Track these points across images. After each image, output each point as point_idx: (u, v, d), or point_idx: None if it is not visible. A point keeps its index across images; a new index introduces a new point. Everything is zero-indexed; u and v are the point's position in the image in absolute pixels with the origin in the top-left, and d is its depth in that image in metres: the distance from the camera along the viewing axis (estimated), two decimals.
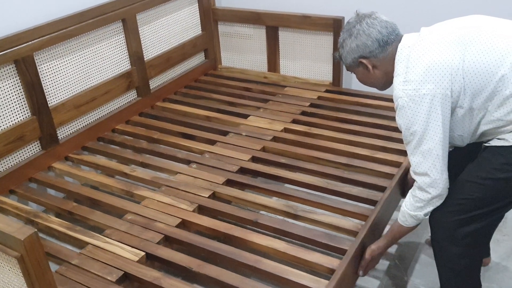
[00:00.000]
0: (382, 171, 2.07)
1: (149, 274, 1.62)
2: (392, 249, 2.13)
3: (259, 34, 3.02)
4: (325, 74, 2.90)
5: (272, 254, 1.71)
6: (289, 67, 3.03)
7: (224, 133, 2.46)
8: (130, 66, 2.64)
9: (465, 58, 1.41)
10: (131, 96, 2.70)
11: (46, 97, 2.22)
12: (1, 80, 2.04)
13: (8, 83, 2.07)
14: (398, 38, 1.55)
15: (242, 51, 3.15)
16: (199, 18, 3.07)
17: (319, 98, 2.74)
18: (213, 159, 2.23)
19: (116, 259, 1.69)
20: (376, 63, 1.56)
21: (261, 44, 3.05)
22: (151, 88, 2.79)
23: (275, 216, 1.93)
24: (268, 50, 3.03)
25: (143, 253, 1.71)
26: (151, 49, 2.76)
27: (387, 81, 1.59)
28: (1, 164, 2.11)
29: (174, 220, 1.86)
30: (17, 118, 2.13)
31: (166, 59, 2.85)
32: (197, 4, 3.02)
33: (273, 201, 1.96)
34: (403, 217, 1.61)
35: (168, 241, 1.80)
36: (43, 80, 2.20)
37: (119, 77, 2.56)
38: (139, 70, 2.67)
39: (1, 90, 2.05)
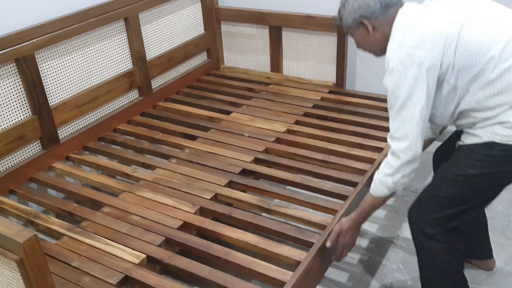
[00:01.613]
0: (356, 167, 2.11)
1: (150, 277, 1.60)
2: (396, 253, 2.12)
3: (262, 34, 3.00)
4: (328, 75, 2.87)
5: (243, 247, 1.74)
6: (292, 67, 3.01)
7: (227, 134, 2.44)
8: (132, 66, 2.62)
9: (460, 33, 1.41)
10: (133, 95, 2.68)
11: (47, 96, 2.19)
12: (1, 79, 2.02)
13: (9, 82, 2.05)
14: (399, 2, 1.55)
15: (245, 51, 3.13)
16: (201, 18, 3.04)
17: (322, 99, 2.72)
18: (214, 160, 2.21)
19: (117, 261, 1.67)
20: (377, 25, 1.55)
21: (264, 44, 3.03)
22: (153, 87, 2.77)
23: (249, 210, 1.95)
24: (271, 50, 3.01)
25: (144, 256, 1.69)
26: (153, 49, 2.74)
27: (385, 46, 1.56)
28: (1, 164, 2.09)
29: (175, 222, 1.84)
30: (17, 118, 2.11)
31: (168, 58, 2.83)
32: (200, 4, 3.00)
33: (248, 196, 1.98)
34: (373, 184, 1.61)
35: (169, 243, 1.78)
36: (44, 79, 2.18)
37: (121, 76, 2.54)
38: (141, 70, 2.65)
39: (2, 89, 2.03)
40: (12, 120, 2.09)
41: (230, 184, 2.07)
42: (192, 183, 2.06)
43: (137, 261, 1.66)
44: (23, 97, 2.12)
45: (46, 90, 2.19)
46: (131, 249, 1.72)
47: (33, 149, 2.21)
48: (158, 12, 2.71)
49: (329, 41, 2.78)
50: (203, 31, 3.08)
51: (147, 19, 2.65)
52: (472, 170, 1.47)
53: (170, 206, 1.93)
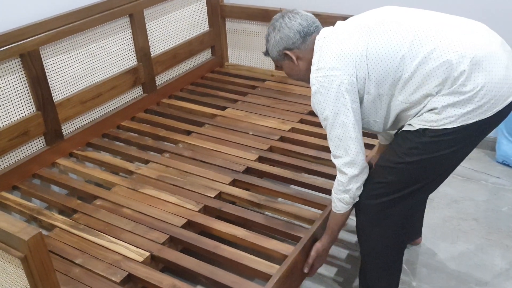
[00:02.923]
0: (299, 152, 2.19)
1: (154, 275, 1.59)
2: None
3: (266, 31, 2.97)
4: None
5: (232, 241, 1.77)
6: None
7: (231, 132, 2.42)
8: (136, 62, 2.61)
9: (368, 46, 1.48)
10: (136, 92, 2.67)
11: (51, 92, 2.19)
12: (6, 74, 2.01)
13: (13, 78, 2.04)
14: (317, 29, 1.64)
15: (249, 49, 3.12)
16: (206, 15, 3.03)
17: None
18: (219, 158, 2.20)
19: (121, 259, 1.66)
20: (300, 54, 1.63)
21: None
22: (157, 84, 2.76)
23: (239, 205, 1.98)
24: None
25: (148, 254, 1.68)
26: (158, 45, 2.73)
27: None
28: (5, 159, 2.08)
29: (179, 220, 1.83)
30: (21, 113, 2.10)
31: (173, 55, 2.82)
32: (205, 0, 2.99)
33: (239, 191, 2.00)
34: (333, 203, 1.66)
35: (173, 241, 1.77)
36: (48, 75, 2.17)
37: (125, 73, 2.53)
38: (146, 66, 2.64)
39: (6, 85, 2.02)
40: (16, 116, 2.08)
41: (234, 183, 2.06)
42: (196, 181, 2.05)
43: (141, 259, 1.65)
44: (28, 93, 2.11)
45: (50, 86, 2.18)
46: (134, 247, 1.71)
47: (36, 145, 2.21)
48: (163, 8, 2.70)
49: None
50: (208, 28, 3.07)
51: (152, 16, 2.64)
52: (409, 158, 1.53)
53: (174, 204, 1.92)
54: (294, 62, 1.65)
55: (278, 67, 1.74)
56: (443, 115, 1.44)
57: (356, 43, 1.50)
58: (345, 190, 1.60)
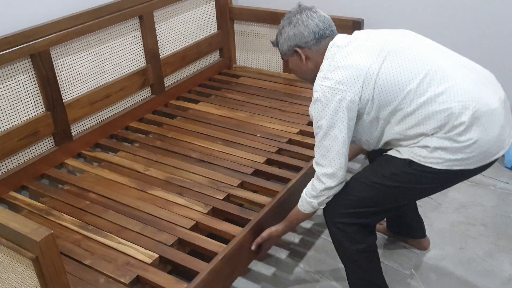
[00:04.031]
0: (307, 155, 2.23)
1: (162, 277, 1.59)
2: (409, 258, 2.10)
3: (275, 34, 2.96)
4: None
5: (153, 204, 1.91)
6: None
7: (239, 134, 2.42)
8: (145, 63, 2.61)
9: (380, 70, 1.49)
10: (145, 93, 2.67)
11: (61, 92, 2.19)
12: (16, 74, 2.02)
13: (24, 78, 2.05)
14: (332, 34, 1.63)
15: (257, 51, 3.12)
16: (215, 16, 3.03)
17: None
18: (227, 161, 2.20)
19: (130, 260, 1.66)
20: (309, 54, 1.63)
21: None
22: (165, 86, 2.76)
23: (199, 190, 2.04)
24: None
25: (156, 255, 1.68)
26: (167, 47, 2.73)
27: (316, 75, 1.63)
28: (14, 159, 2.09)
29: (187, 222, 1.83)
30: (31, 113, 2.11)
31: (182, 57, 2.82)
32: (214, 2, 2.99)
33: (201, 178, 2.07)
34: (301, 201, 1.70)
35: (181, 243, 1.77)
36: (58, 76, 2.17)
37: (134, 74, 2.54)
38: (154, 68, 2.64)
39: (17, 85, 2.03)
40: (25, 116, 2.09)
41: (243, 185, 2.05)
42: (204, 183, 2.05)
43: (150, 261, 1.65)
44: (37, 93, 2.11)
45: (60, 86, 2.18)
46: (143, 249, 1.71)
47: (46, 145, 2.21)
48: (172, 10, 2.70)
49: None
50: (216, 30, 3.07)
51: (162, 17, 2.64)
52: (387, 182, 1.57)
53: (183, 205, 1.93)
54: (302, 60, 1.65)
55: (283, 59, 1.76)
56: (432, 154, 1.48)
57: (369, 64, 1.50)
58: (316, 196, 1.63)
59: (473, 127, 1.44)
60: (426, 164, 1.50)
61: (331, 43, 1.59)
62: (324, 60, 1.59)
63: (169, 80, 2.82)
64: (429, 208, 2.38)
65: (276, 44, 1.73)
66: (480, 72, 1.55)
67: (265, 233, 1.78)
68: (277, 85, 2.95)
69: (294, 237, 2.26)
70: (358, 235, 1.67)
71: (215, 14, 3.02)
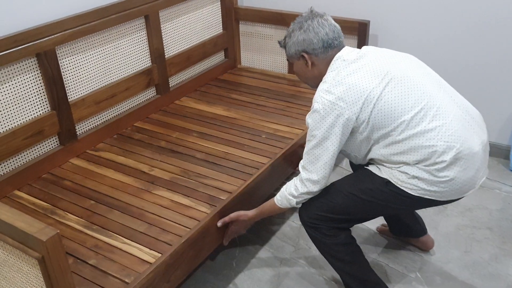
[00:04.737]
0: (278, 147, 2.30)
1: (167, 277, 1.59)
2: (414, 261, 2.09)
3: (280, 35, 2.97)
4: None
5: (156, 203, 1.95)
6: None
7: (244, 135, 2.42)
8: (150, 63, 2.61)
9: (381, 95, 1.54)
10: (150, 93, 2.67)
11: (66, 92, 2.19)
12: (22, 73, 2.02)
13: (29, 77, 2.05)
14: (340, 45, 1.68)
15: (262, 52, 3.11)
16: (220, 17, 3.03)
17: None
18: (231, 161, 2.20)
19: (134, 261, 1.65)
20: (315, 61, 1.68)
21: None
22: (170, 86, 2.76)
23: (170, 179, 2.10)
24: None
25: (161, 256, 1.67)
26: (172, 47, 2.73)
27: (319, 82, 1.68)
28: (19, 158, 2.09)
29: (192, 223, 1.82)
30: (36, 112, 2.11)
31: (187, 57, 2.82)
32: (220, 3, 2.99)
33: (205, 178, 2.09)
34: (279, 196, 1.77)
35: (185, 244, 1.76)
36: (64, 75, 2.17)
37: (139, 74, 2.53)
38: (160, 68, 2.64)
39: (22, 84, 2.03)
40: (31, 115, 2.09)
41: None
42: (209, 184, 2.04)
43: (154, 261, 1.65)
44: (43, 92, 2.11)
45: (65, 85, 2.18)
46: (148, 249, 1.70)
47: (51, 145, 2.21)
48: (178, 10, 2.70)
49: (350, 44, 2.67)
50: (222, 30, 3.07)
51: (167, 17, 2.64)
52: (363, 196, 1.66)
53: (187, 206, 1.92)
54: (308, 66, 1.69)
55: (288, 61, 1.80)
56: (410, 181, 1.57)
57: (372, 87, 1.55)
58: (296, 196, 1.70)
59: (452, 166, 1.53)
60: (402, 188, 1.59)
61: (337, 55, 1.64)
62: (328, 71, 1.63)
63: (174, 80, 2.82)
64: (434, 211, 2.37)
65: (283, 45, 1.76)
66: (470, 113, 1.63)
67: (233, 214, 1.85)
68: (282, 86, 2.94)
69: (298, 238, 2.26)
70: (330, 231, 1.74)
71: (220, 14, 3.02)
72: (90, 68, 2.29)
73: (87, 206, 1.95)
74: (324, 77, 1.64)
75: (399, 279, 2.01)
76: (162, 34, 2.62)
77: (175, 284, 1.71)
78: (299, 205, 1.75)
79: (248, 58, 3.20)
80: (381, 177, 1.63)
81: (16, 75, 2.00)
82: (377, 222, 2.31)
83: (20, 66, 2.00)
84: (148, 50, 2.58)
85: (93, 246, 1.74)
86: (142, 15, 2.46)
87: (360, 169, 1.75)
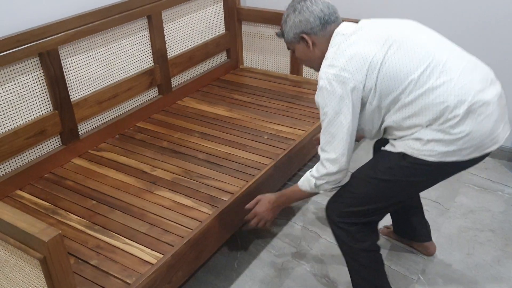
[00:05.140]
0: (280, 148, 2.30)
1: (168, 278, 1.58)
2: (416, 263, 2.08)
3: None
4: None
5: (158, 204, 1.94)
6: (312, 70, 2.96)
7: (246, 135, 2.42)
8: (153, 64, 2.60)
9: (384, 60, 1.51)
10: (152, 93, 2.67)
11: (69, 91, 2.19)
12: (25, 73, 2.02)
13: (32, 76, 2.05)
14: (337, 21, 1.65)
15: (264, 52, 3.11)
16: (223, 17, 3.03)
17: None
18: (233, 162, 2.19)
19: (136, 261, 1.65)
20: (316, 41, 1.64)
21: (284, 46, 2.98)
22: (172, 86, 2.76)
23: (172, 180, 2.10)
24: (291, 52, 2.97)
25: (162, 256, 1.67)
26: (175, 47, 2.73)
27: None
28: (21, 158, 2.08)
29: (194, 224, 1.82)
30: (38, 112, 2.11)
31: (189, 57, 2.82)
32: (222, 3, 2.98)
33: (207, 179, 2.08)
34: (302, 179, 1.75)
35: (187, 245, 1.76)
36: (66, 75, 2.17)
37: (141, 74, 2.53)
38: (162, 68, 2.63)
39: (25, 83, 2.03)
40: (33, 115, 2.09)
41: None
42: (211, 184, 2.04)
43: (155, 262, 1.65)
44: (45, 92, 2.11)
45: (68, 85, 2.18)
46: (149, 249, 1.70)
47: (53, 144, 2.21)
48: (180, 10, 2.70)
49: None
50: (224, 30, 3.06)
51: (170, 17, 2.64)
52: (383, 176, 1.61)
53: (189, 206, 1.92)
54: (309, 47, 1.66)
55: (289, 49, 1.77)
56: (426, 147, 1.51)
57: (374, 53, 1.51)
58: (316, 177, 1.67)
59: (467, 120, 1.47)
60: (420, 157, 1.53)
61: (336, 31, 1.60)
62: (329, 48, 1.60)
63: (177, 81, 2.81)
64: (437, 213, 2.36)
65: (281, 34, 1.73)
66: (481, 68, 1.56)
67: (259, 196, 1.88)
68: (284, 87, 2.94)
69: (300, 240, 2.25)
70: (359, 233, 1.70)
71: (223, 15, 3.02)
72: (92, 68, 2.29)
73: (88, 206, 1.95)
74: (326, 54, 1.61)
75: (401, 281, 2.00)
76: (165, 34, 2.61)
77: (177, 285, 1.71)
78: (320, 190, 1.70)
79: (251, 58, 3.19)
80: (397, 152, 1.58)
81: (19, 75, 2.00)
82: (380, 224, 2.30)
83: (23, 66, 2.00)
84: (151, 50, 2.57)
85: (94, 246, 1.73)
86: (144, 15, 2.46)
87: (375, 154, 1.71)
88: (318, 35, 1.63)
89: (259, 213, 1.88)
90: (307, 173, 1.72)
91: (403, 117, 1.53)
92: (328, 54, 1.59)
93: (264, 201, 1.88)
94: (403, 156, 1.56)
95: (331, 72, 1.54)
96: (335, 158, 1.60)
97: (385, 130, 1.63)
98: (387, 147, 1.63)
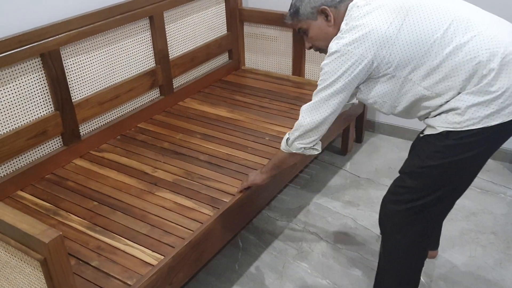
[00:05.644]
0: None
1: (169, 280, 1.58)
2: None
3: (285, 37, 2.97)
4: None
5: (159, 205, 1.94)
6: (314, 71, 2.97)
7: (247, 137, 2.41)
8: (155, 64, 2.60)
9: (401, 28, 1.43)
10: (154, 94, 2.67)
11: (70, 92, 2.19)
12: (26, 73, 2.02)
13: (33, 77, 2.05)
14: None
15: (266, 53, 3.10)
16: (225, 18, 3.03)
17: None
18: (235, 163, 2.19)
19: (137, 262, 1.65)
20: (335, 15, 1.56)
21: (286, 47, 3.00)
22: (174, 87, 2.76)
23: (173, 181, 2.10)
24: (293, 53, 2.98)
25: (163, 258, 1.66)
26: (176, 48, 2.72)
27: None
28: (22, 159, 2.08)
29: (195, 225, 1.82)
30: (40, 113, 2.11)
31: (191, 58, 2.81)
32: (224, 4, 2.98)
33: (209, 180, 2.08)
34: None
35: (188, 246, 1.75)
36: (68, 75, 2.17)
37: (143, 75, 2.53)
38: (164, 69, 2.63)
39: (26, 84, 2.02)
40: (34, 115, 2.09)
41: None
42: (212, 186, 2.04)
43: (156, 263, 1.64)
44: (47, 92, 2.11)
45: (69, 86, 2.18)
46: (150, 251, 1.70)
47: (54, 145, 2.21)
48: (182, 11, 2.70)
49: None
50: (226, 31, 3.06)
51: (172, 18, 2.64)
52: (432, 162, 1.49)
53: (190, 208, 1.91)
54: (330, 20, 1.57)
55: (299, 31, 1.66)
56: (466, 116, 1.41)
57: (388, 24, 1.44)
58: (290, 133, 1.68)
59: (503, 74, 1.38)
60: (463, 129, 1.42)
61: (351, 4, 1.54)
62: (343, 21, 1.53)
63: (178, 82, 2.81)
64: None
65: (294, 12, 1.63)
66: (505, 22, 1.49)
67: (246, 183, 1.90)
68: (286, 88, 2.93)
69: (301, 241, 2.25)
70: (419, 237, 1.64)
71: (225, 15, 3.02)
72: (94, 69, 2.29)
73: (90, 207, 1.95)
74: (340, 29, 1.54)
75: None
76: (167, 35, 2.61)
77: (178, 287, 1.71)
78: (293, 149, 1.68)
79: (252, 59, 3.19)
80: (439, 133, 1.47)
81: (20, 75, 2.00)
82: None
83: (24, 66, 2.00)
84: (152, 51, 2.57)
85: (95, 247, 1.73)
86: (146, 16, 2.45)
87: (416, 144, 1.62)
88: (338, 8, 1.55)
89: (250, 181, 1.90)
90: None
91: (434, 82, 1.43)
92: (341, 27, 1.52)
93: (253, 173, 1.91)
94: (446, 134, 1.45)
95: (341, 43, 1.47)
96: (315, 119, 1.57)
97: (414, 104, 1.52)
98: (426, 131, 1.53)
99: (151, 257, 1.67)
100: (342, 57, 1.47)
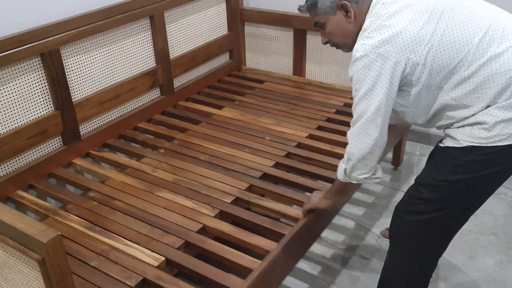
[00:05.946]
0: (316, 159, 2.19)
1: (169, 280, 1.58)
2: None
3: (286, 37, 2.97)
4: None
5: (217, 235, 1.80)
6: (315, 71, 2.97)
7: (248, 137, 2.41)
8: (155, 64, 2.60)
9: (435, 31, 1.34)
10: (154, 94, 2.67)
11: (70, 92, 2.18)
12: (26, 73, 2.01)
13: (33, 76, 2.04)
14: None
15: (267, 53, 3.10)
16: (226, 18, 3.02)
17: (345, 105, 2.68)
18: (235, 164, 2.18)
19: (136, 263, 1.65)
20: (356, 10, 1.45)
21: (287, 47, 3.00)
22: (174, 87, 2.76)
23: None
24: (294, 53, 2.98)
25: (163, 258, 1.66)
26: (177, 48, 2.72)
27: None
28: (22, 158, 2.08)
29: (195, 225, 1.81)
30: (40, 112, 2.11)
31: (191, 58, 2.81)
32: (225, 4, 2.98)
33: (209, 180, 2.04)
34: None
35: (188, 247, 1.75)
36: (68, 75, 2.17)
37: (143, 74, 2.53)
38: (164, 69, 2.63)
39: (26, 83, 2.02)
40: (34, 115, 2.08)
41: (251, 189, 2.04)
42: (212, 186, 2.03)
43: (156, 264, 1.64)
44: (47, 92, 2.11)
45: (69, 85, 2.18)
46: (150, 251, 1.69)
47: (54, 145, 2.21)
48: (183, 11, 2.69)
49: None
50: (227, 31, 3.06)
51: (172, 18, 2.64)
52: (453, 176, 1.41)
53: (190, 208, 1.91)
54: (350, 17, 1.46)
55: (316, 25, 1.54)
56: (493, 132, 1.34)
57: (421, 25, 1.34)
58: (344, 162, 1.53)
59: None
60: (489, 145, 1.35)
61: (375, 0, 1.42)
62: (367, 18, 1.42)
63: (179, 81, 2.81)
64: None
65: (310, 5, 1.50)
66: None
67: (309, 205, 1.73)
68: (287, 88, 2.93)
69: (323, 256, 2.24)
70: (436, 245, 1.58)
71: (226, 15, 3.01)
72: (94, 68, 2.29)
73: (89, 207, 1.94)
74: (363, 26, 1.42)
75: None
76: (167, 34, 2.61)
77: None
78: (353, 180, 1.52)
79: (253, 59, 3.18)
80: (462, 147, 1.38)
81: (20, 75, 2.00)
82: (381, 226, 2.29)
83: (24, 66, 2.00)
84: (153, 51, 2.57)
85: (95, 247, 1.73)
86: (147, 15, 2.45)
87: (436, 153, 1.52)
88: (359, 4, 1.43)
89: (314, 204, 1.74)
90: (340, 162, 1.57)
91: (463, 93, 1.34)
92: (366, 25, 1.40)
93: (315, 195, 1.75)
94: (470, 149, 1.37)
95: (369, 43, 1.35)
96: (366, 144, 1.42)
97: (438, 113, 1.43)
98: (448, 143, 1.44)
99: (151, 257, 1.66)
100: (374, 58, 1.35)
